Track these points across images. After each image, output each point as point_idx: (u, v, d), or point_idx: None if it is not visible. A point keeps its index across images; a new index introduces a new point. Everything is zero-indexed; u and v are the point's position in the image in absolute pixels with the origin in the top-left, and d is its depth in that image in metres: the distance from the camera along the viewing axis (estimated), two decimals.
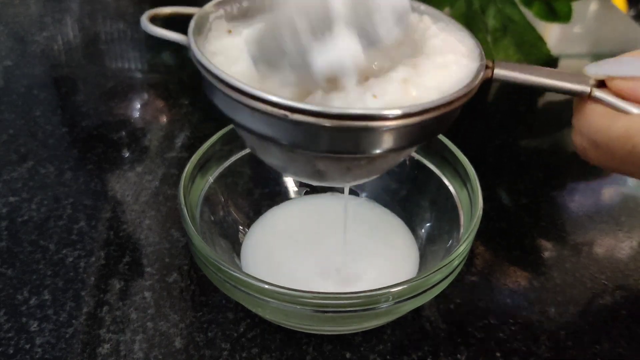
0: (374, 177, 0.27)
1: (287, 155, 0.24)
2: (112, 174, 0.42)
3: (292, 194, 0.37)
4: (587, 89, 0.25)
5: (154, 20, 0.25)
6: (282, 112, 0.21)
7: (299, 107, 0.20)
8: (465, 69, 0.24)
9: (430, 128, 0.23)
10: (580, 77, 0.25)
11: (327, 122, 0.20)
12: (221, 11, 0.26)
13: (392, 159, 0.26)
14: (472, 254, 0.35)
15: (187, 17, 0.25)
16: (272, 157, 0.26)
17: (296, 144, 0.22)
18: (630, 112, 0.24)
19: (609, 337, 0.31)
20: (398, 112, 0.21)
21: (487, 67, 0.24)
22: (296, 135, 0.22)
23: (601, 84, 0.25)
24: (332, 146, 0.22)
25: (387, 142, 0.22)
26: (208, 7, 0.26)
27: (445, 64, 0.24)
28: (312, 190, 0.38)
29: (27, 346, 0.29)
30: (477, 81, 0.23)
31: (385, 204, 0.37)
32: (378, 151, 0.22)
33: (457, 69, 0.24)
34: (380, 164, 0.26)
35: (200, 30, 0.25)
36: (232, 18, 0.26)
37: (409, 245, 0.34)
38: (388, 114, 0.21)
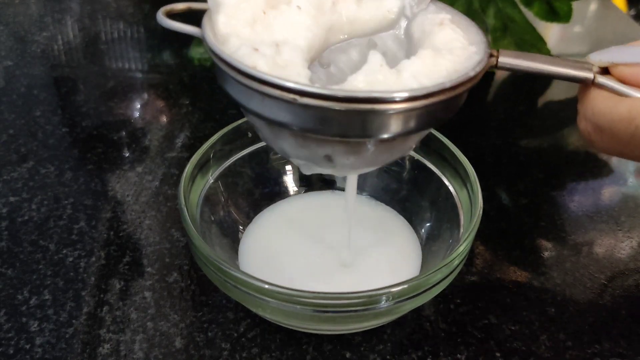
0: (383, 164, 0.28)
1: (298, 140, 0.25)
2: (112, 174, 0.42)
3: (292, 194, 0.37)
4: (590, 75, 0.25)
5: (169, 15, 0.26)
6: (291, 96, 0.21)
7: (308, 90, 0.21)
8: (470, 56, 0.24)
9: (436, 113, 0.23)
10: (583, 64, 0.26)
11: (335, 105, 0.21)
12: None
13: (399, 145, 0.26)
14: (472, 254, 0.35)
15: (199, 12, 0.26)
16: (283, 144, 0.26)
17: (306, 128, 0.23)
18: (633, 96, 0.24)
19: (609, 337, 0.31)
20: (405, 94, 0.21)
21: (491, 55, 0.25)
22: (306, 119, 0.22)
23: (604, 71, 0.25)
24: (341, 129, 0.22)
25: (394, 125, 0.23)
26: None
27: (451, 52, 0.24)
28: (311, 188, 0.38)
29: (27, 346, 0.29)
30: (482, 66, 0.23)
31: (386, 204, 0.37)
32: (386, 135, 0.23)
33: (463, 56, 0.24)
34: (389, 150, 0.26)
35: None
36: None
37: (411, 244, 0.34)
38: (395, 97, 0.21)
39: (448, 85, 0.22)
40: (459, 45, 0.24)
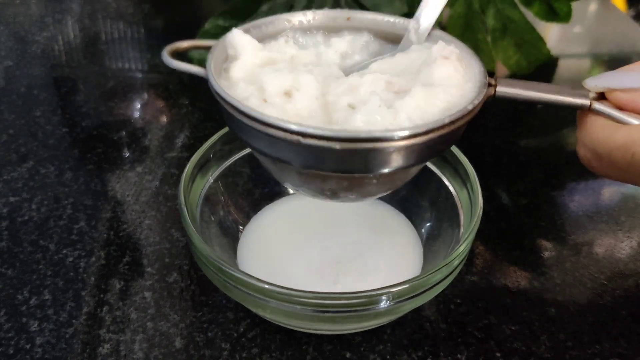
0: (386, 193, 0.29)
1: (302, 175, 0.26)
2: (112, 174, 0.42)
3: (291, 193, 0.37)
4: (587, 102, 0.25)
5: (174, 54, 0.26)
6: (295, 137, 0.22)
7: (311, 132, 0.22)
8: (464, 95, 0.25)
9: (435, 146, 0.24)
10: (580, 90, 0.26)
11: (337, 145, 0.22)
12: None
13: (401, 176, 0.27)
14: (472, 254, 0.35)
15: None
16: (287, 177, 0.27)
17: (309, 165, 0.23)
18: (629, 123, 0.24)
19: (609, 337, 0.31)
20: (404, 132, 0.22)
21: (489, 85, 0.25)
22: (309, 157, 0.23)
23: (601, 97, 0.25)
24: (343, 166, 0.23)
25: (395, 160, 0.23)
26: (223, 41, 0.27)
27: (445, 90, 0.25)
28: None
29: (27, 346, 0.29)
30: (480, 99, 0.24)
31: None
32: (387, 170, 0.24)
33: (457, 95, 0.25)
34: (391, 181, 0.27)
35: (217, 63, 0.26)
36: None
37: (412, 243, 0.34)
38: (395, 135, 0.22)
39: (447, 120, 0.23)
40: (455, 83, 0.25)
